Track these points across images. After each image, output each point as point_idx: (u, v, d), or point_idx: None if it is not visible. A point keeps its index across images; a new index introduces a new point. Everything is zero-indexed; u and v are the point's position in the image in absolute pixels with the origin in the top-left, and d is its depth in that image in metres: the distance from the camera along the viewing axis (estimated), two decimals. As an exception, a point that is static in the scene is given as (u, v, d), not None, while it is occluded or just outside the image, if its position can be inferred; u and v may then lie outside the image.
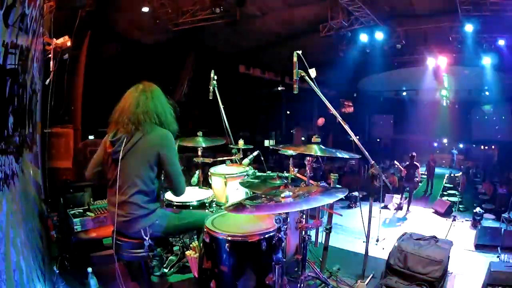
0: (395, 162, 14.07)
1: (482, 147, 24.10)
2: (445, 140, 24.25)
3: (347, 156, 3.09)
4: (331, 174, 3.50)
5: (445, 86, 20.36)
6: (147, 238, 2.63)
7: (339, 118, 2.97)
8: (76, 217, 4.07)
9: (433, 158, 16.77)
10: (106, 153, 2.74)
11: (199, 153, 4.53)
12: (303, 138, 23.29)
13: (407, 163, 12.65)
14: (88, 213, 4.23)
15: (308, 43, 13.18)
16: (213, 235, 2.55)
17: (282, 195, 2.34)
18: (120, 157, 2.63)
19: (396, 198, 12.58)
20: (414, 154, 12.54)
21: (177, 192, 2.81)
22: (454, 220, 9.15)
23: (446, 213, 11.58)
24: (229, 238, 2.48)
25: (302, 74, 2.90)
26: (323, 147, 3.05)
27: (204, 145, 4.42)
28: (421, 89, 21.05)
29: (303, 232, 2.99)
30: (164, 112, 2.84)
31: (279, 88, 20.20)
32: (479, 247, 7.25)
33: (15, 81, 2.47)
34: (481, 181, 16.97)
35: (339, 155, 3.08)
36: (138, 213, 2.64)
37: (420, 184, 15.24)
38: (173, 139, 2.77)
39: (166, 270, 3.66)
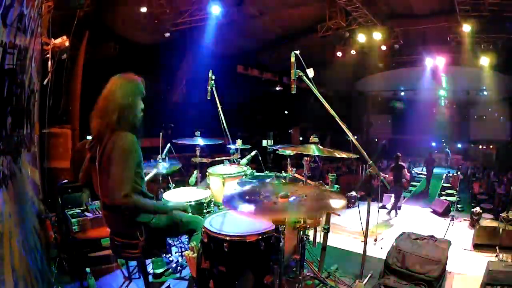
0: (381, 174, 13.88)
1: (480, 146, 24.17)
2: (443, 140, 24.31)
3: (345, 156, 3.09)
4: (329, 174, 3.51)
5: (443, 86, 20.43)
6: (142, 239, 2.62)
7: (337, 118, 2.97)
8: (74, 217, 4.07)
9: (431, 157, 16.78)
10: (87, 158, 2.71)
11: (197, 153, 4.53)
12: (301, 138, 23.29)
13: (392, 165, 12.26)
14: (86, 213, 4.23)
15: (306, 43, 13.23)
16: (211, 235, 2.55)
17: (280, 195, 2.35)
18: (97, 164, 2.56)
19: (395, 198, 12.57)
20: (399, 154, 12.02)
21: (109, 197, 2.49)
22: (452, 219, 9.15)
23: (444, 213, 11.58)
24: (227, 238, 2.48)
25: (300, 74, 2.90)
26: (320, 147, 3.05)
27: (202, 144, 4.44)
28: (419, 89, 21.12)
29: (301, 232, 3.00)
30: (138, 111, 2.67)
31: (277, 88, 20.22)
32: (477, 246, 7.25)
33: (13, 81, 2.47)
34: (478, 181, 17.01)
35: (337, 155, 3.08)
36: (128, 214, 2.61)
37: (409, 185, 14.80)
38: (130, 142, 2.51)
39: (163, 270, 3.66)
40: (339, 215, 2.53)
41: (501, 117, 23.13)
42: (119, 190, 2.40)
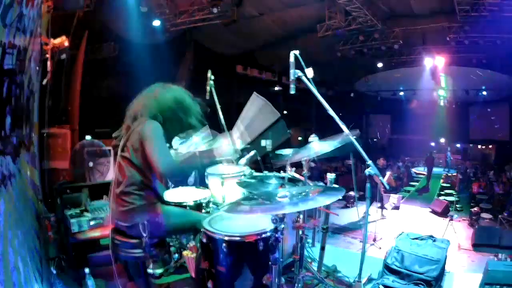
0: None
1: (479, 146, 24.19)
2: (442, 140, 24.32)
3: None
4: (328, 174, 3.52)
5: (442, 86, 20.43)
6: (145, 235, 2.61)
7: (337, 118, 2.97)
8: (73, 217, 4.07)
9: (431, 156, 16.82)
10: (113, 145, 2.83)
11: (197, 153, 4.53)
12: (300, 138, 23.31)
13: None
14: (85, 213, 4.23)
15: (305, 43, 13.24)
16: (210, 235, 2.55)
17: (279, 195, 2.35)
18: (119, 152, 2.68)
19: (393, 198, 12.59)
20: (381, 159, 11.79)
21: (162, 170, 2.50)
22: (451, 219, 9.16)
23: (443, 213, 11.60)
24: (226, 238, 2.47)
25: (299, 74, 2.90)
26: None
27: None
28: (418, 89, 21.15)
29: (300, 232, 3.00)
30: (168, 108, 2.79)
31: (277, 88, 20.22)
32: (476, 246, 7.27)
33: (12, 81, 2.47)
34: (477, 180, 17.04)
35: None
36: (136, 203, 2.61)
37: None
38: (158, 129, 2.60)
39: (163, 270, 3.66)
40: (337, 214, 2.53)
41: (501, 117, 23.15)
42: (157, 166, 2.49)
